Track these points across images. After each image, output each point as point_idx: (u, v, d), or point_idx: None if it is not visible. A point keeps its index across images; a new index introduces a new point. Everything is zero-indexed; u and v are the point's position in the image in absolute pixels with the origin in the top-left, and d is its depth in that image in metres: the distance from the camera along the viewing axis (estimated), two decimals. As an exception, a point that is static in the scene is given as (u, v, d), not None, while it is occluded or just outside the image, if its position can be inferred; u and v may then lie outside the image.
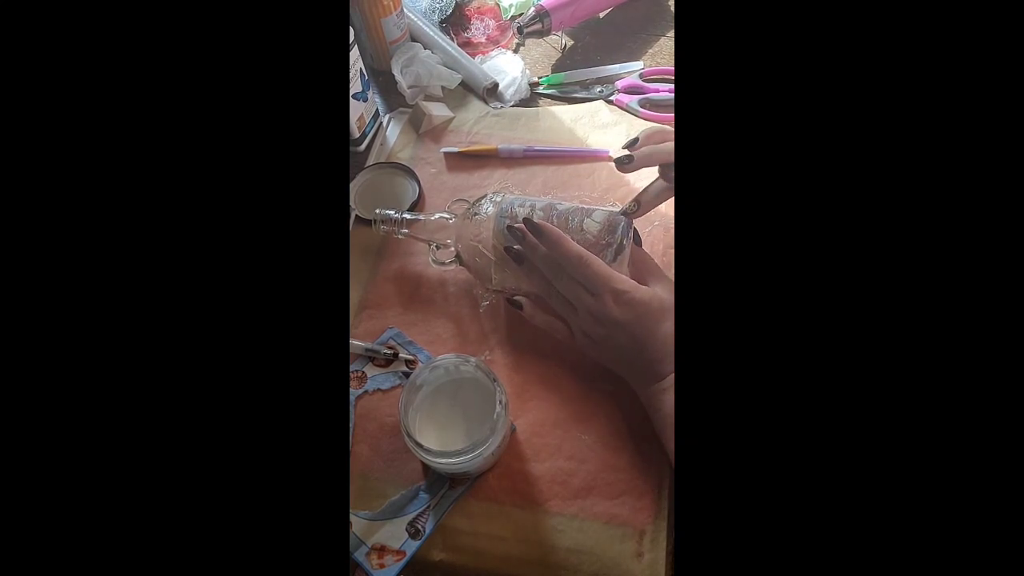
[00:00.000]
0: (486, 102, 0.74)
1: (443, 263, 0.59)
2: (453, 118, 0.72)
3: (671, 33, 0.79)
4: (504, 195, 0.55)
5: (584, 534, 0.47)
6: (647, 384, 0.48)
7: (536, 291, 0.52)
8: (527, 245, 0.51)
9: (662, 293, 0.49)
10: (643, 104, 0.71)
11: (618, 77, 0.75)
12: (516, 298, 0.53)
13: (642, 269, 0.52)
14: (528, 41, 0.80)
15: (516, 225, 0.51)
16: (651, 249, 0.60)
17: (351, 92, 0.65)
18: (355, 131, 0.68)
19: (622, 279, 0.48)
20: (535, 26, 0.76)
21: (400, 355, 0.56)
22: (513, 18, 0.80)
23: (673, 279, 0.56)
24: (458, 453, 0.44)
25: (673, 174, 0.51)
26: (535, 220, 0.50)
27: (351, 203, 0.65)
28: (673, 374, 0.47)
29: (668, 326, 0.48)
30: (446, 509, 0.49)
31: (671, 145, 0.50)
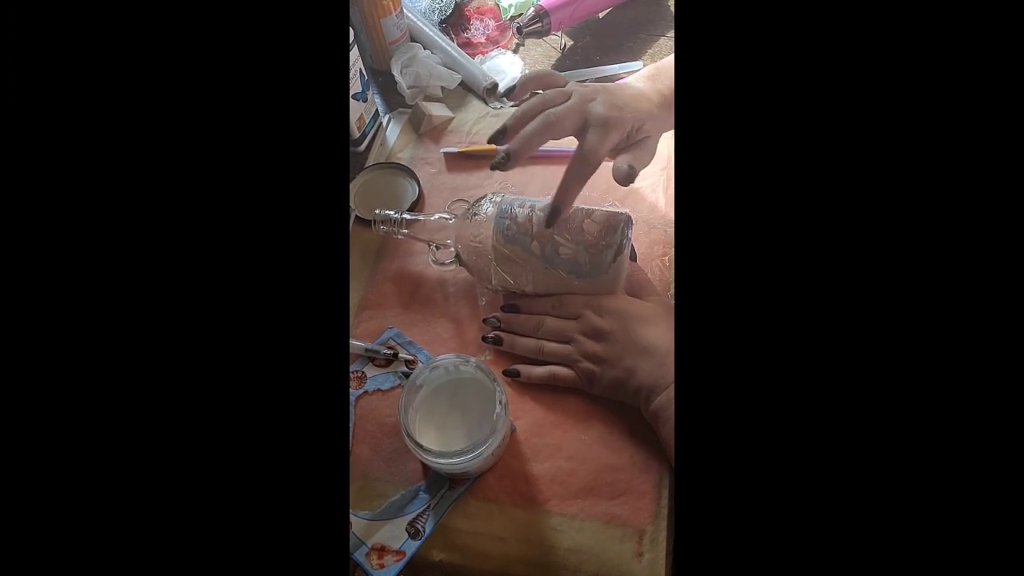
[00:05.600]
0: (486, 102, 0.74)
1: (443, 263, 0.59)
2: (453, 118, 0.72)
3: (671, 33, 0.79)
4: (504, 195, 0.55)
5: (584, 534, 0.47)
6: (655, 393, 0.48)
7: (529, 355, 0.54)
8: (505, 323, 0.56)
9: (642, 302, 0.53)
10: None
11: (617, 77, 0.75)
12: (512, 367, 0.54)
13: (635, 284, 0.55)
14: (528, 41, 0.80)
15: (491, 316, 0.56)
16: (651, 251, 0.60)
17: (351, 92, 0.65)
18: (355, 131, 0.68)
19: (595, 297, 0.53)
20: (535, 26, 0.76)
21: (400, 355, 0.56)
22: (513, 18, 0.81)
23: (672, 289, 0.57)
24: (458, 453, 0.44)
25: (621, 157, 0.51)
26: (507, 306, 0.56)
27: (351, 203, 0.65)
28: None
29: (654, 332, 0.50)
30: (446, 509, 0.49)
31: (553, 114, 0.49)
